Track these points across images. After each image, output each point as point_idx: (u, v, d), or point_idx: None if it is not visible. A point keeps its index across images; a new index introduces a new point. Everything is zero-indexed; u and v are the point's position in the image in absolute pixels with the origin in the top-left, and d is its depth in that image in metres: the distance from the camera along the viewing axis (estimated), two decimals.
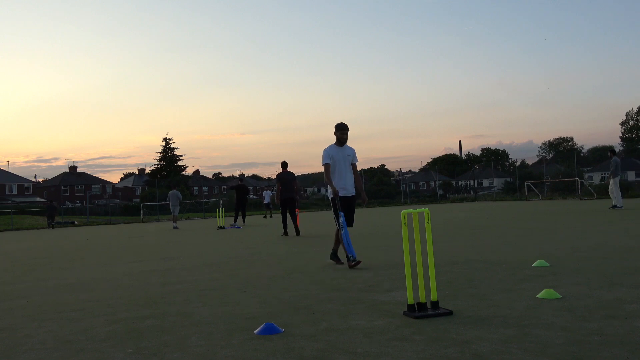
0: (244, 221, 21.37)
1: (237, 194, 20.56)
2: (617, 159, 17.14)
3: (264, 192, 30.02)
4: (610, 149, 20.51)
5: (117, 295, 5.72)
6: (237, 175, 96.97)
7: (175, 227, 21.28)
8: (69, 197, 78.59)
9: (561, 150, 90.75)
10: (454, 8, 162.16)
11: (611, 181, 17.09)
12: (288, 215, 13.45)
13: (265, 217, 27.97)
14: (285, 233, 13.31)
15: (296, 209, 13.67)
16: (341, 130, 7.15)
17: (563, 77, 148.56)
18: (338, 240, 7.20)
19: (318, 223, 19.85)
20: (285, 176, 13.38)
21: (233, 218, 21.09)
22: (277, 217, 23.78)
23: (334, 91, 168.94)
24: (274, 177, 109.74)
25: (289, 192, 13.29)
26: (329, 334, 3.64)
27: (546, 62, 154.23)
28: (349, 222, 7.21)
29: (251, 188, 59.28)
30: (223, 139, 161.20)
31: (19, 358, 3.49)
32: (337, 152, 7.17)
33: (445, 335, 3.43)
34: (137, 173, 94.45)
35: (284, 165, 13.71)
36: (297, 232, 13.26)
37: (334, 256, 7.30)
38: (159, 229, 22.02)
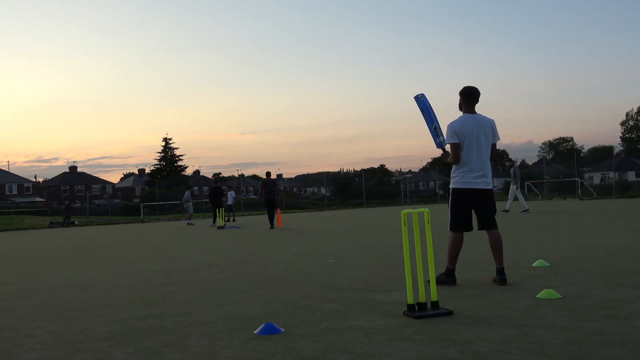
0: (214, 222, 21.81)
1: (212, 196, 21.83)
2: (517, 167, 18.78)
3: (228, 192, 26.05)
4: (510, 159, 22.61)
5: (117, 295, 5.72)
6: (237, 175, 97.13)
7: (189, 224, 23.27)
8: (69, 197, 78.31)
9: (561, 150, 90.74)
10: (454, 8, 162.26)
11: (512, 187, 18.60)
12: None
13: (228, 219, 23.97)
14: (272, 227, 16.79)
15: (277, 208, 17.47)
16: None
17: (563, 77, 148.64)
18: (452, 255, 5.30)
19: (317, 222, 19.85)
20: (269, 182, 17.23)
21: (231, 219, 22.52)
22: (240, 219, 25.87)
23: (334, 91, 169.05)
24: (274, 177, 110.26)
25: (272, 194, 16.98)
26: (329, 334, 3.64)
27: (546, 62, 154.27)
28: (485, 224, 5.22)
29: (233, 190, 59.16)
30: (223, 139, 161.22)
31: (19, 358, 3.49)
32: (471, 124, 5.12)
33: (445, 335, 3.43)
34: (137, 173, 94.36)
35: (268, 174, 17.86)
36: (273, 226, 16.86)
37: (447, 276, 5.24)
38: (159, 229, 22.03)
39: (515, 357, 2.95)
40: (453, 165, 5.21)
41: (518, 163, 79.07)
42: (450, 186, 5.32)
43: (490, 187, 5.22)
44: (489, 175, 5.20)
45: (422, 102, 5.58)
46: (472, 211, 5.19)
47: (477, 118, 5.18)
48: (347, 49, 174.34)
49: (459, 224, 5.21)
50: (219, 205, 21.47)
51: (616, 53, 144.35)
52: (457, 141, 5.09)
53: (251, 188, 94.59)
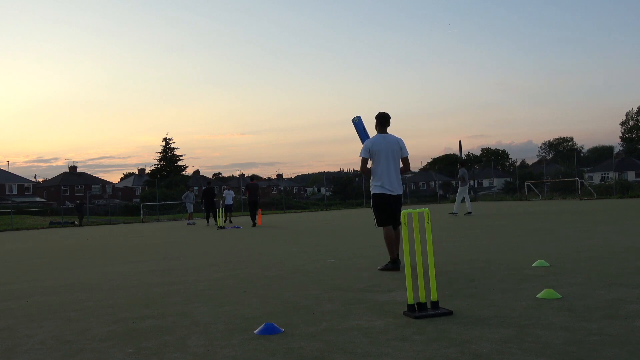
0: (215, 221, 21.69)
1: (206, 197, 22.54)
2: (464, 169, 18.82)
3: (225, 192, 24.13)
4: (460, 160, 22.75)
5: (117, 295, 5.72)
6: (236, 175, 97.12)
7: (190, 224, 23.89)
8: (69, 197, 78.54)
9: (561, 150, 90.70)
10: (454, 8, 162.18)
11: (460, 189, 18.74)
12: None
13: (226, 220, 22.41)
14: (254, 224, 19.32)
15: (259, 209, 20.05)
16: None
17: (563, 77, 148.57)
18: (390, 247, 6.33)
19: (317, 222, 19.85)
20: (252, 185, 19.59)
21: (228, 219, 22.70)
22: (239, 219, 26.32)
23: (334, 91, 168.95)
24: (274, 177, 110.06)
25: (254, 196, 19.34)
26: (329, 334, 3.64)
27: (546, 62, 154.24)
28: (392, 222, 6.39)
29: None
30: (223, 139, 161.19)
31: (19, 358, 3.49)
32: (381, 143, 6.32)
33: (445, 335, 3.43)
34: (137, 173, 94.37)
35: (251, 177, 22.36)
36: (254, 225, 19.26)
37: (392, 264, 6.29)
38: (159, 229, 22.03)
39: (515, 357, 2.95)
40: (371, 176, 6.43)
41: (518, 162, 78.94)
42: (371, 192, 6.50)
43: (399, 193, 6.41)
44: (398, 184, 6.38)
45: (357, 124, 6.97)
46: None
47: (386, 137, 6.38)
48: (347, 49, 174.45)
49: (384, 221, 6.37)
50: (211, 205, 22.17)
51: (616, 53, 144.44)
52: (367, 157, 6.36)
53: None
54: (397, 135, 6.48)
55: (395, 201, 6.36)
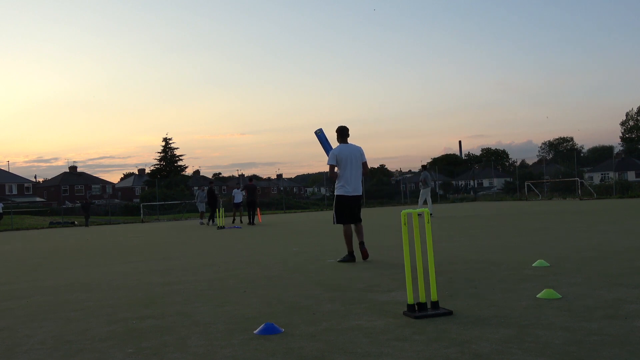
0: (214, 221, 22.08)
1: (209, 198, 23.02)
2: (426, 172, 19.40)
3: (234, 190, 24.49)
4: (422, 164, 23.50)
5: (117, 295, 5.72)
6: (236, 176, 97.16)
7: (201, 224, 23.45)
8: (69, 197, 78.52)
9: (561, 150, 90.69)
10: (454, 8, 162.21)
11: (422, 191, 19.13)
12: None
13: (233, 220, 23.02)
14: (251, 223, 20.55)
15: (257, 209, 21.51)
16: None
17: (563, 77, 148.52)
18: (348, 241, 7.44)
19: (317, 222, 19.84)
20: (251, 186, 20.88)
21: (237, 219, 23.15)
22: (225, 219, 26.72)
23: (333, 91, 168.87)
24: (274, 177, 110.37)
25: (252, 196, 20.65)
26: (329, 334, 3.64)
27: (546, 62, 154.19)
28: (355, 219, 7.46)
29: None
30: (223, 139, 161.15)
31: (19, 358, 3.49)
32: (345, 151, 7.29)
33: (445, 335, 3.43)
34: (137, 173, 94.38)
35: (250, 178, 22.27)
36: (252, 223, 20.54)
37: (350, 256, 7.39)
38: (159, 229, 22.04)
39: (515, 357, 2.95)
40: (336, 179, 7.29)
41: (518, 162, 78.89)
42: (335, 193, 7.39)
43: (359, 194, 7.36)
44: (359, 186, 7.34)
45: (320, 136, 7.79)
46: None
47: (349, 147, 7.33)
48: (347, 49, 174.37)
49: (344, 219, 7.41)
50: (212, 205, 22.43)
51: (616, 53, 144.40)
52: (334, 163, 7.25)
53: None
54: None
55: (356, 201, 7.37)
